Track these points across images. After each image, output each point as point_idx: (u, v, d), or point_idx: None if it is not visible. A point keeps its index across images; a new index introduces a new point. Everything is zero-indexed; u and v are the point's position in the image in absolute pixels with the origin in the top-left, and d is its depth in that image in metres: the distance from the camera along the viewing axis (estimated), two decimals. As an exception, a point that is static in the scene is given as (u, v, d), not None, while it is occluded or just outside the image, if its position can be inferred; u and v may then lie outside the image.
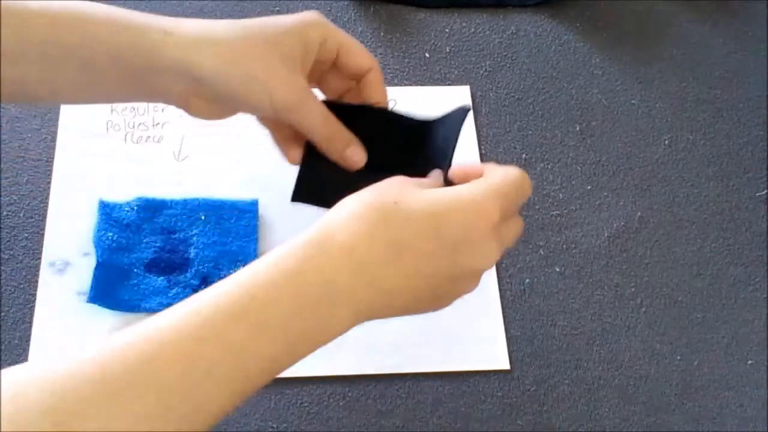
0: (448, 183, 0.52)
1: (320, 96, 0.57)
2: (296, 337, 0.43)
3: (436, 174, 0.53)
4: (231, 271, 0.66)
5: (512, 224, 0.50)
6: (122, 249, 0.66)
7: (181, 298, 0.64)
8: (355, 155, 0.55)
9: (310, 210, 0.55)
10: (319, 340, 0.44)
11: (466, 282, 0.49)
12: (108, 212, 0.68)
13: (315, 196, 0.58)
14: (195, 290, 0.65)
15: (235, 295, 0.42)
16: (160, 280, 0.65)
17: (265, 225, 0.69)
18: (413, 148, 0.56)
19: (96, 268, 0.65)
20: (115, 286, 0.65)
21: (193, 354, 0.40)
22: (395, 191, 0.47)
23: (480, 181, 0.48)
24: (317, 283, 0.43)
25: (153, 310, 0.64)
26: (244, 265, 0.65)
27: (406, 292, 0.46)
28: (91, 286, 0.64)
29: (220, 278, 0.65)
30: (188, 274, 0.66)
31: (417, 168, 0.53)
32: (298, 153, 0.57)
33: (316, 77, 0.57)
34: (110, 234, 0.67)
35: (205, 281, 0.66)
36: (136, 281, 0.65)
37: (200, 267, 0.66)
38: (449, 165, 0.53)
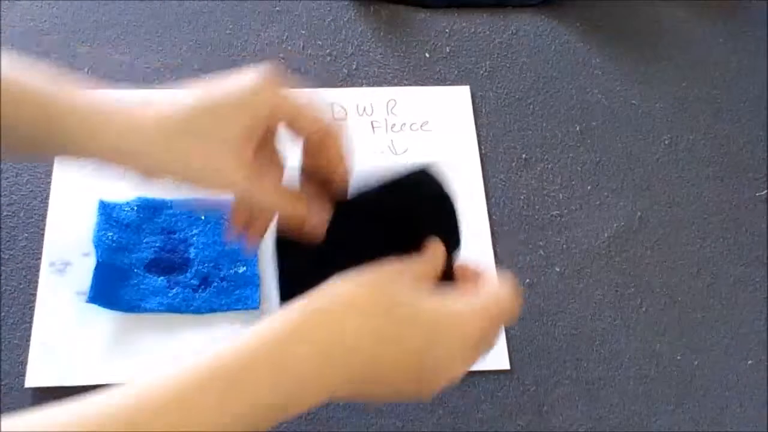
0: (448, 269, 0.51)
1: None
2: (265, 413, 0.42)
3: (434, 254, 0.50)
4: (230, 271, 0.66)
5: (491, 339, 0.50)
6: (122, 249, 0.66)
7: (181, 298, 0.64)
8: (317, 222, 0.52)
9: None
10: (282, 418, 0.43)
11: (425, 388, 0.47)
12: (108, 212, 0.68)
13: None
14: (195, 290, 0.65)
15: (214, 380, 0.41)
16: (160, 280, 0.65)
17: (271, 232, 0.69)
18: (397, 223, 0.52)
19: (96, 268, 0.65)
20: (114, 286, 0.65)
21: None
22: (395, 289, 0.46)
23: (475, 298, 0.48)
24: (297, 370, 0.42)
25: (153, 310, 0.64)
26: (243, 266, 0.66)
27: (373, 388, 0.46)
28: (91, 286, 0.64)
29: (220, 278, 0.66)
30: (188, 274, 0.66)
31: (407, 242, 0.51)
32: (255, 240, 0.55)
33: (265, 143, 0.52)
34: (110, 234, 0.67)
35: (206, 281, 0.66)
36: (136, 281, 0.65)
37: (200, 267, 0.66)
38: (457, 247, 0.52)
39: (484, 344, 0.48)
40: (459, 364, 0.47)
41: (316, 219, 0.51)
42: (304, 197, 0.52)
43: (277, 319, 0.43)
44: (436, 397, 0.63)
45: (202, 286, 0.65)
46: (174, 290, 0.65)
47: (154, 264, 0.66)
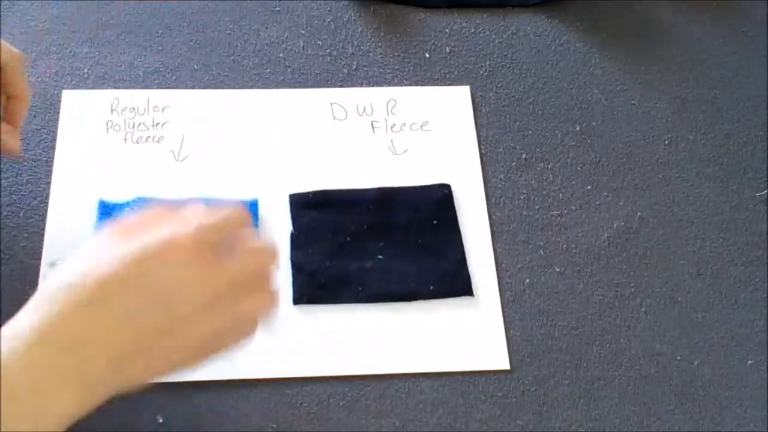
0: None
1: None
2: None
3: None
4: None
5: (241, 253, 0.47)
6: None
7: None
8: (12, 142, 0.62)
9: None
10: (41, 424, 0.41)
11: (190, 325, 0.45)
12: (108, 212, 0.68)
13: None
14: None
15: None
16: None
17: (265, 225, 0.69)
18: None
19: None
20: None
21: None
22: (88, 261, 0.44)
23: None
24: (22, 376, 0.40)
25: None
26: None
27: (137, 359, 0.44)
28: None
29: None
30: None
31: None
32: None
33: None
34: None
35: None
36: None
37: None
38: None
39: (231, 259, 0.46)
40: (187, 278, 0.44)
41: (11, 141, 0.62)
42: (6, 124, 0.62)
43: None
44: (437, 397, 0.63)
45: None
46: None
47: None
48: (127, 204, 0.68)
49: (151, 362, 0.45)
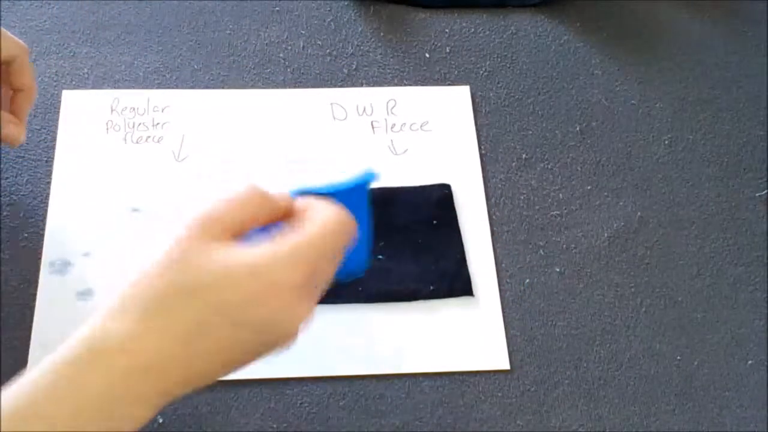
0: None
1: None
2: None
3: (240, 202, 0.45)
4: None
5: (327, 267, 0.46)
6: None
7: None
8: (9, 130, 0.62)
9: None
10: None
11: (278, 342, 0.45)
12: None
13: None
14: None
15: (16, 415, 0.39)
16: None
17: None
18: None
19: None
20: None
21: None
22: (177, 266, 0.42)
23: (283, 242, 0.44)
24: (98, 395, 0.40)
25: None
26: None
27: (205, 375, 0.43)
28: None
29: None
30: None
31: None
32: None
33: None
34: None
35: None
36: None
37: None
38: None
39: (316, 279, 0.45)
40: (291, 306, 0.43)
41: (16, 129, 0.63)
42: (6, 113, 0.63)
43: (72, 344, 0.42)
44: (437, 397, 0.63)
45: None
46: None
47: None
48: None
49: (217, 376, 0.44)
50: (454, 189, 0.72)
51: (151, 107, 0.75)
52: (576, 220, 0.73)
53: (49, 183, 0.70)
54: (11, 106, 0.64)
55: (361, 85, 0.78)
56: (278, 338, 0.44)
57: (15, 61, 0.62)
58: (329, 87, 0.78)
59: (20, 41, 0.62)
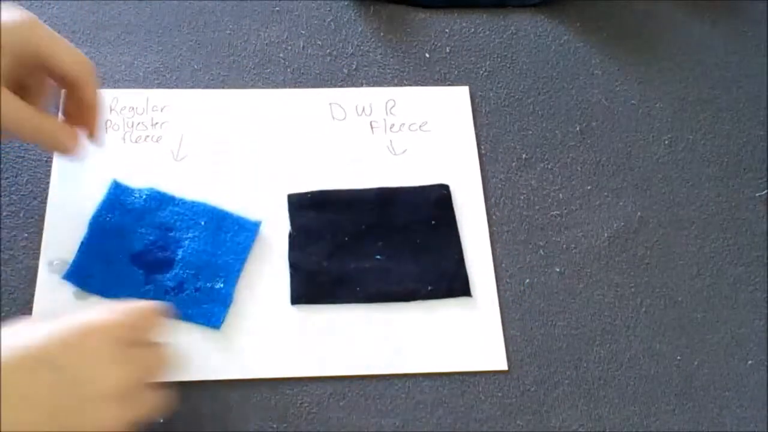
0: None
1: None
2: None
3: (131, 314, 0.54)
4: (207, 284, 0.65)
5: (147, 350, 0.53)
6: (116, 232, 0.67)
7: (151, 297, 0.63)
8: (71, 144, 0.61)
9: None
10: None
11: (99, 409, 0.49)
12: (118, 194, 0.68)
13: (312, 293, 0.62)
14: (167, 292, 0.65)
15: None
16: (138, 273, 0.65)
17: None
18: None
19: (81, 246, 0.65)
20: (94, 267, 0.65)
21: None
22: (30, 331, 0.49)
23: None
24: None
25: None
26: (222, 282, 0.65)
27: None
28: (72, 263, 0.65)
29: (195, 288, 0.65)
30: (168, 275, 0.65)
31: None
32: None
33: (21, 80, 0.60)
34: (109, 216, 0.67)
35: (180, 287, 0.65)
36: (116, 268, 0.65)
37: (181, 271, 0.66)
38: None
39: (139, 351, 0.52)
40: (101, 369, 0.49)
41: (71, 142, 0.62)
42: (64, 124, 0.63)
43: None
44: (436, 397, 0.63)
45: (175, 290, 0.65)
46: (147, 287, 0.65)
47: (139, 256, 0.66)
48: (138, 191, 0.69)
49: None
50: (453, 189, 0.72)
51: (150, 107, 0.74)
52: (576, 220, 0.73)
53: (48, 183, 0.70)
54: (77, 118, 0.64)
55: (361, 85, 0.78)
56: (92, 399, 0.49)
57: (77, 81, 0.61)
58: (329, 87, 0.78)
59: (84, 58, 0.61)
